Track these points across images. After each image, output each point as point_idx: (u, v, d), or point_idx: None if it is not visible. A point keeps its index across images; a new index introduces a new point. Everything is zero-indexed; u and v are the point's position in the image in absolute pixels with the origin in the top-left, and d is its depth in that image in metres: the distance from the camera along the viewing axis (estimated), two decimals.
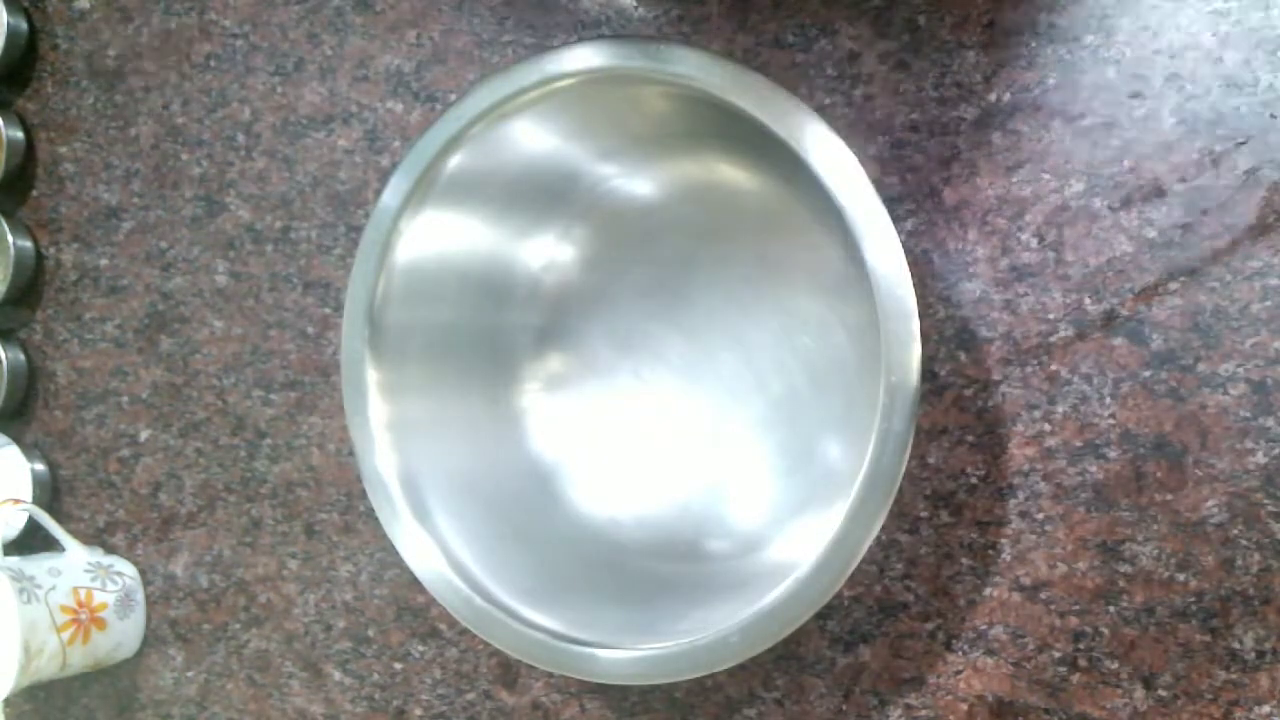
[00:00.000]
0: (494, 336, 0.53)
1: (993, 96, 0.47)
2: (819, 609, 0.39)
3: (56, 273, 0.68)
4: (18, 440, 0.68)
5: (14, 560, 0.60)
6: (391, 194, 0.47)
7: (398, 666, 0.58)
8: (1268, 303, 0.42)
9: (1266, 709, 0.42)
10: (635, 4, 0.53)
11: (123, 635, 0.63)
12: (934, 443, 0.47)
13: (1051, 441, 0.45)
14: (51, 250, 0.68)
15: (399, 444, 0.47)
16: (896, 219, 0.38)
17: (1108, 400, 0.44)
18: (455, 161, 0.46)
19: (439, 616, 0.57)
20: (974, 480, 0.46)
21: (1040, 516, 0.45)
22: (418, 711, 0.57)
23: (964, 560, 0.46)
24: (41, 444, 0.68)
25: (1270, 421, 0.42)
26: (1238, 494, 0.43)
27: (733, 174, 0.50)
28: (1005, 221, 0.46)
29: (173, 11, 0.65)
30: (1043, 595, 0.45)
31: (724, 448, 0.50)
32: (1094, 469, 0.45)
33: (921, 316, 0.38)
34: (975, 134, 0.47)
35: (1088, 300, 0.45)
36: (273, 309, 0.62)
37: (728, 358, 0.50)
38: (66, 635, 0.58)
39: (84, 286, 0.67)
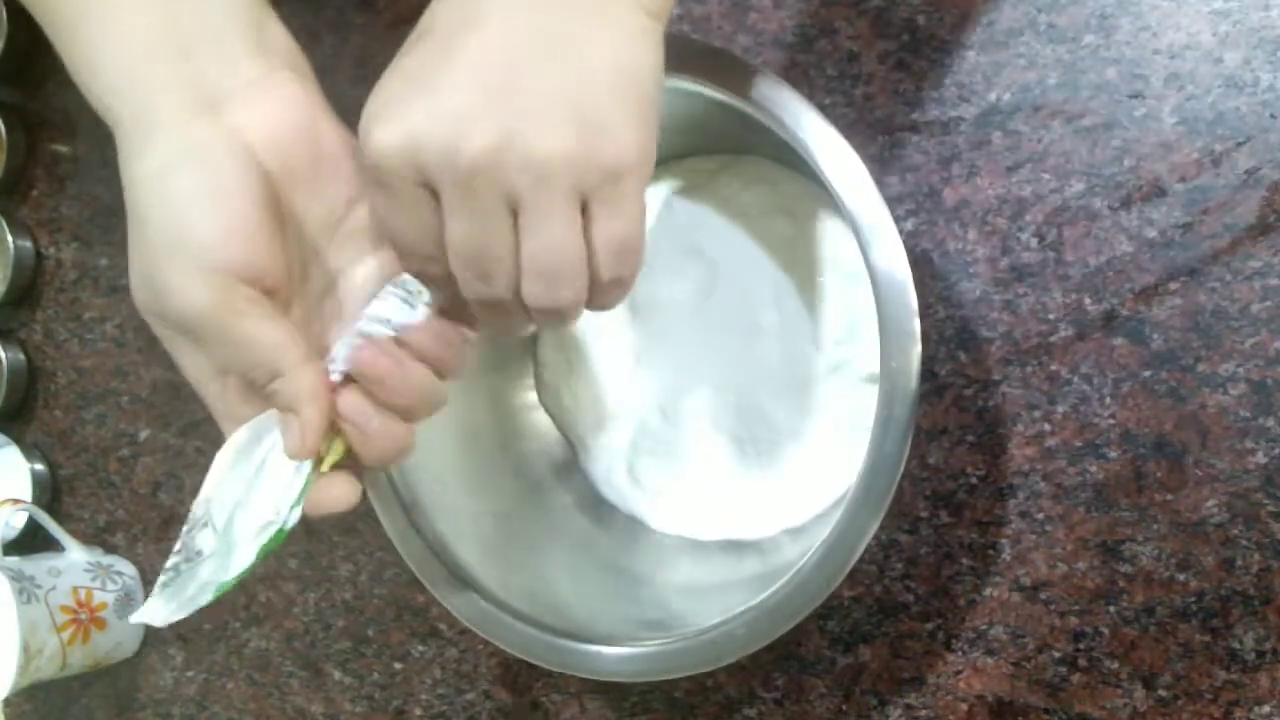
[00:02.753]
0: (495, 335, 0.53)
1: (993, 96, 0.47)
2: (822, 603, 0.39)
3: (56, 273, 0.68)
4: (18, 440, 0.68)
5: (14, 560, 0.60)
6: None
7: (398, 666, 0.58)
8: (1268, 303, 0.42)
9: (1266, 709, 0.42)
10: None
11: (123, 635, 0.63)
12: (934, 443, 0.47)
13: (1051, 441, 0.45)
14: (51, 250, 0.68)
15: None
16: (896, 219, 0.38)
17: (1108, 400, 0.44)
18: None
19: (439, 616, 0.57)
20: (974, 480, 0.46)
21: (1040, 516, 0.45)
22: (418, 711, 0.57)
23: (964, 560, 0.46)
24: (41, 444, 0.68)
25: (1270, 421, 0.42)
26: (1238, 494, 0.43)
27: (730, 171, 0.50)
28: (1005, 221, 0.46)
29: None
30: (1043, 595, 0.45)
31: (729, 444, 0.50)
32: (1094, 469, 0.45)
33: (921, 316, 0.38)
34: (975, 134, 0.47)
35: (1088, 300, 0.45)
36: None
37: (729, 354, 0.50)
38: (66, 635, 0.58)
39: (84, 286, 0.67)
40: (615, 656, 0.42)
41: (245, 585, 0.62)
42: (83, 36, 0.34)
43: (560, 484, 0.53)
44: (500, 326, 0.34)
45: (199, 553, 0.35)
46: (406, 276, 0.34)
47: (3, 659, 0.56)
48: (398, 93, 0.30)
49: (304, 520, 0.61)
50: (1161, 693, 0.43)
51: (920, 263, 0.47)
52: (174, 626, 0.63)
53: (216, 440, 0.63)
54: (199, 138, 0.33)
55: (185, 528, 0.36)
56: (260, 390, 0.34)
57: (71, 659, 0.59)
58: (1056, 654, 0.45)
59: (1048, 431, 0.45)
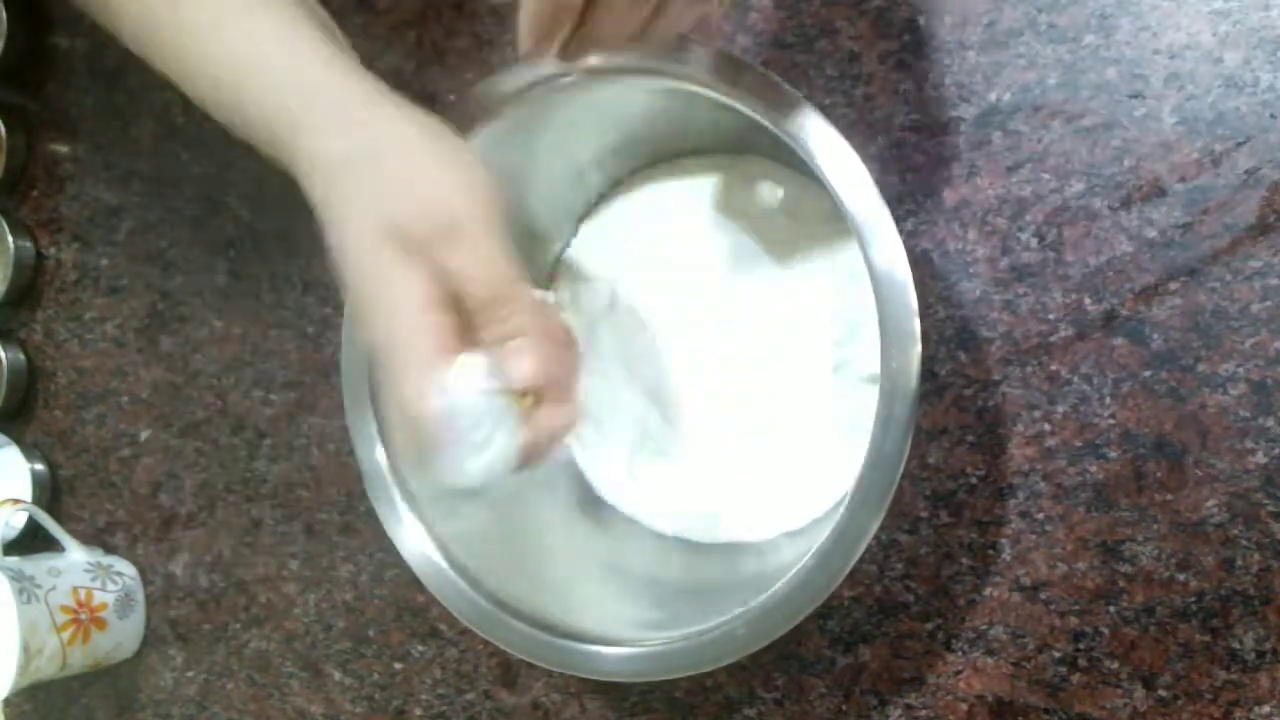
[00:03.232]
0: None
1: (993, 96, 0.47)
2: (822, 603, 0.39)
3: (56, 273, 0.68)
4: (18, 440, 0.68)
5: (14, 560, 0.60)
6: None
7: (398, 666, 0.58)
8: (1268, 303, 0.42)
9: (1266, 709, 0.42)
10: None
11: (123, 635, 0.63)
12: (934, 443, 0.47)
13: (1051, 441, 0.45)
14: (51, 250, 0.68)
15: None
16: (896, 219, 0.38)
17: (1108, 400, 0.44)
18: None
19: (439, 616, 0.57)
20: (974, 480, 0.46)
21: (1040, 516, 0.45)
22: (418, 711, 0.57)
23: (964, 560, 0.46)
24: (41, 444, 0.68)
25: (1270, 421, 0.42)
26: (1238, 494, 0.43)
27: (730, 171, 0.50)
28: (1005, 221, 0.46)
29: None
30: (1043, 595, 0.45)
31: (729, 445, 0.50)
32: (1094, 469, 0.45)
33: (921, 316, 0.38)
34: (975, 134, 0.47)
35: (1088, 300, 0.45)
36: (273, 309, 0.62)
37: (729, 354, 0.50)
38: (66, 635, 0.58)
39: (84, 286, 0.67)
40: (615, 656, 0.42)
41: (245, 586, 0.62)
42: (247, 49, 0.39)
43: (560, 484, 0.53)
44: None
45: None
46: None
47: (3, 659, 0.56)
48: None
49: (305, 521, 0.61)
50: (1161, 693, 0.43)
51: (920, 263, 0.47)
52: (174, 626, 0.63)
53: (217, 440, 0.63)
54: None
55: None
56: (478, 313, 0.35)
57: (71, 659, 0.59)
58: (1056, 654, 0.45)
59: (1048, 431, 0.45)
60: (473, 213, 0.35)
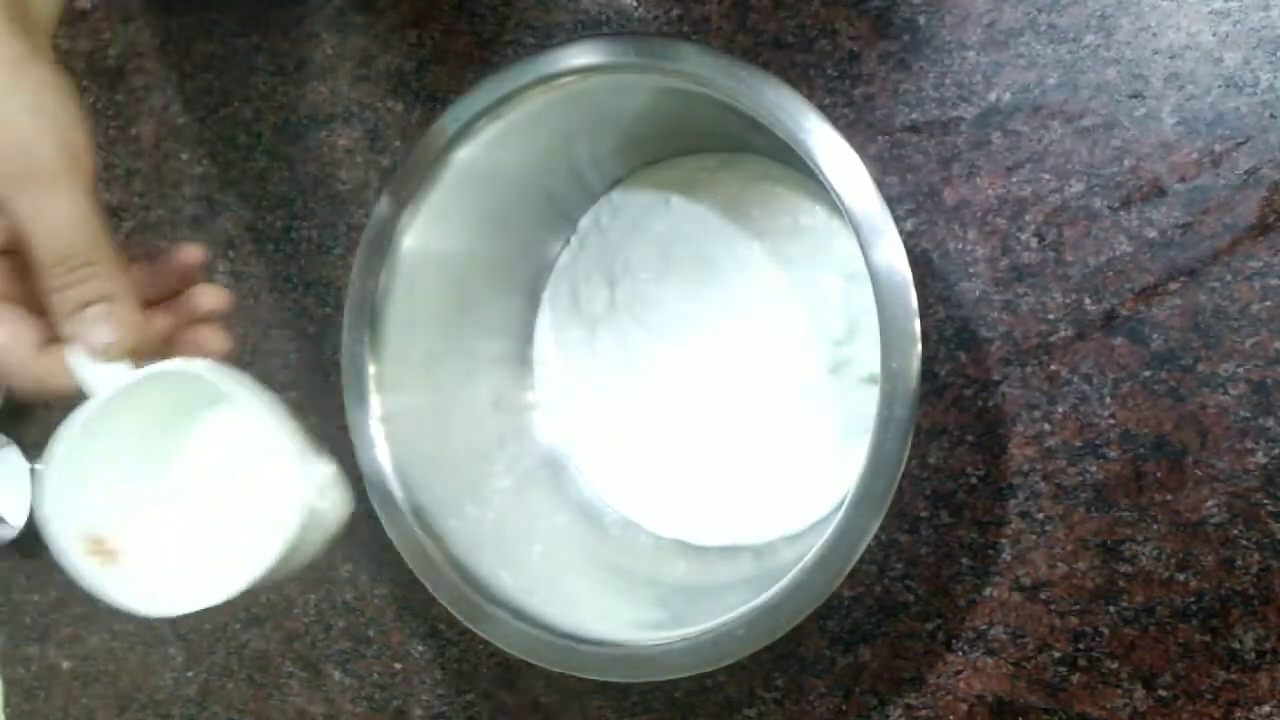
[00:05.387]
0: (496, 334, 0.53)
1: (993, 96, 0.47)
2: (823, 602, 0.39)
3: None
4: (18, 440, 0.68)
5: None
6: (392, 193, 0.47)
7: (398, 666, 0.58)
8: (1268, 303, 0.42)
9: (1266, 709, 0.42)
10: (635, 4, 0.53)
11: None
12: (934, 443, 0.47)
13: (1051, 441, 0.45)
14: None
15: (399, 443, 0.47)
16: (896, 219, 0.38)
17: (1108, 400, 0.44)
18: (456, 161, 0.46)
19: (439, 616, 0.57)
20: (974, 480, 0.46)
21: (1040, 516, 0.45)
22: (418, 711, 0.57)
23: (964, 560, 0.46)
24: (42, 444, 0.68)
25: (1270, 421, 0.42)
26: (1238, 494, 0.43)
27: (730, 170, 0.50)
28: (1005, 221, 0.46)
29: (173, 11, 0.65)
30: (1043, 595, 0.45)
31: (731, 446, 0.50)
32: (1094, 469, 0.45)
33: (921, 316, 0.38)
34: (975, 134, 0.47)
35: (1088, 300, 0.45)
36: (273, 309, 0.62)
37: (728, 354, 0.50)
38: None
39: None
40: (615, 656, 0.42)
41: None
42: None
43: (559, 485, 0.53)
44: None
45: None
46: None
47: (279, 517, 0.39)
48: None
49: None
50: (1161, 693, 0.43)
51: (920, 263, 0.47)
52: (174, 626, 0.63)
53: None
54: None
55: None
56: (49, 271, 0.35)
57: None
58: (1056, 654, 0.45)
59: (1048, 431, 0.45)
60: (52, 161, 0.34)
